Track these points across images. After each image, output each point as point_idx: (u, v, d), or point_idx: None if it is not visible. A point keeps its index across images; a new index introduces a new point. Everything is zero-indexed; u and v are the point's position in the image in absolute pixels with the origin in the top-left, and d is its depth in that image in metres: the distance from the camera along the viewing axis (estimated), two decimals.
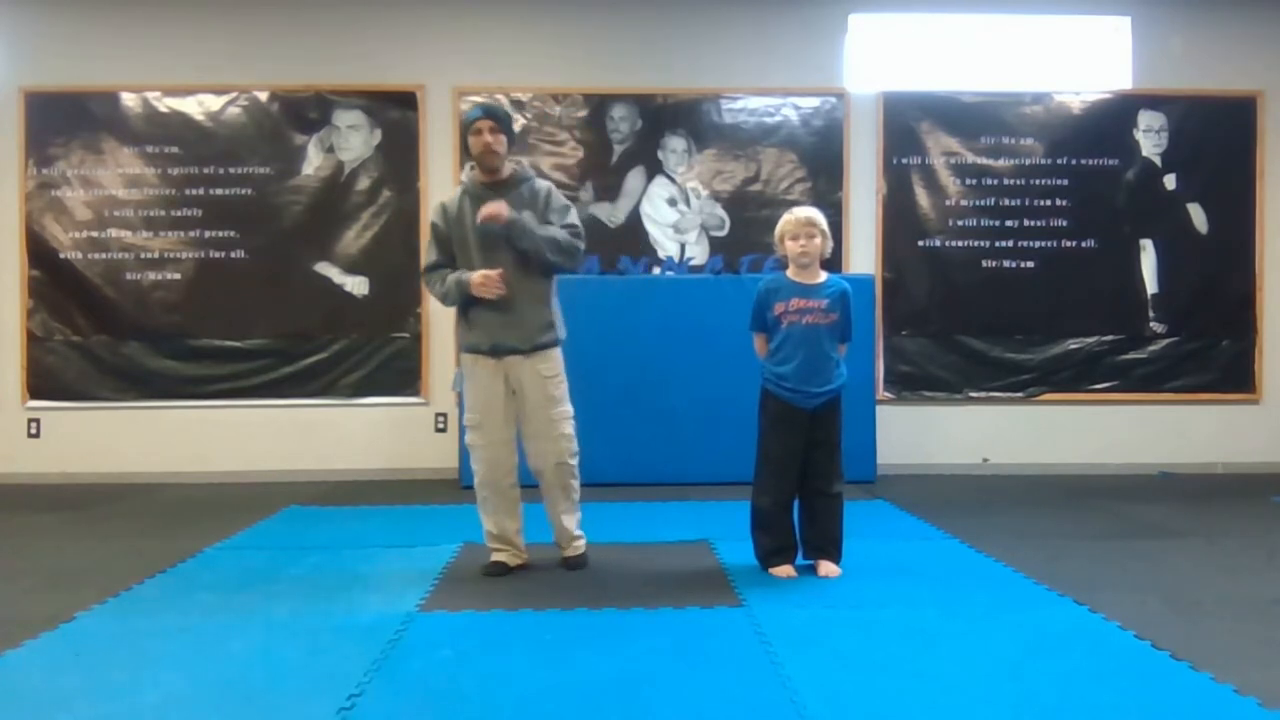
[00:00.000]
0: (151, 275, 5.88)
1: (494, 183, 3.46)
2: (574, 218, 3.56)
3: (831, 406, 3.48)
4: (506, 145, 3.48)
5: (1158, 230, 6.10)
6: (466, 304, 3.43)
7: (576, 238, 3.50)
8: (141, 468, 5.82)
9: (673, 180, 6.01)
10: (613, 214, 5.94)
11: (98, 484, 5.68)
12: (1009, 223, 6.09)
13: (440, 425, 5.95)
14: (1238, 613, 3.04)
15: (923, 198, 6.07)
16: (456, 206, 3.48)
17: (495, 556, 3.52)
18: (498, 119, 3.46)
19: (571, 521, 3.58)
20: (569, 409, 3.51)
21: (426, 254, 3.56)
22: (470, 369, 3.48)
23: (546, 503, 3.57)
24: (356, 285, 5.93)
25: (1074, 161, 6.09)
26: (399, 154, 5.93)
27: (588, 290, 5.32)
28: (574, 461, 3.53)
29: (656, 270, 5.79)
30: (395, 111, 5.92)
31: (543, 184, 3.56)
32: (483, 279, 3.33)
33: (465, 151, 5.83)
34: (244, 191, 5.90)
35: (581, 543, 3.61)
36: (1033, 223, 6.09)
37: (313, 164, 5.92)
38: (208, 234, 5.89)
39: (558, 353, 3.51)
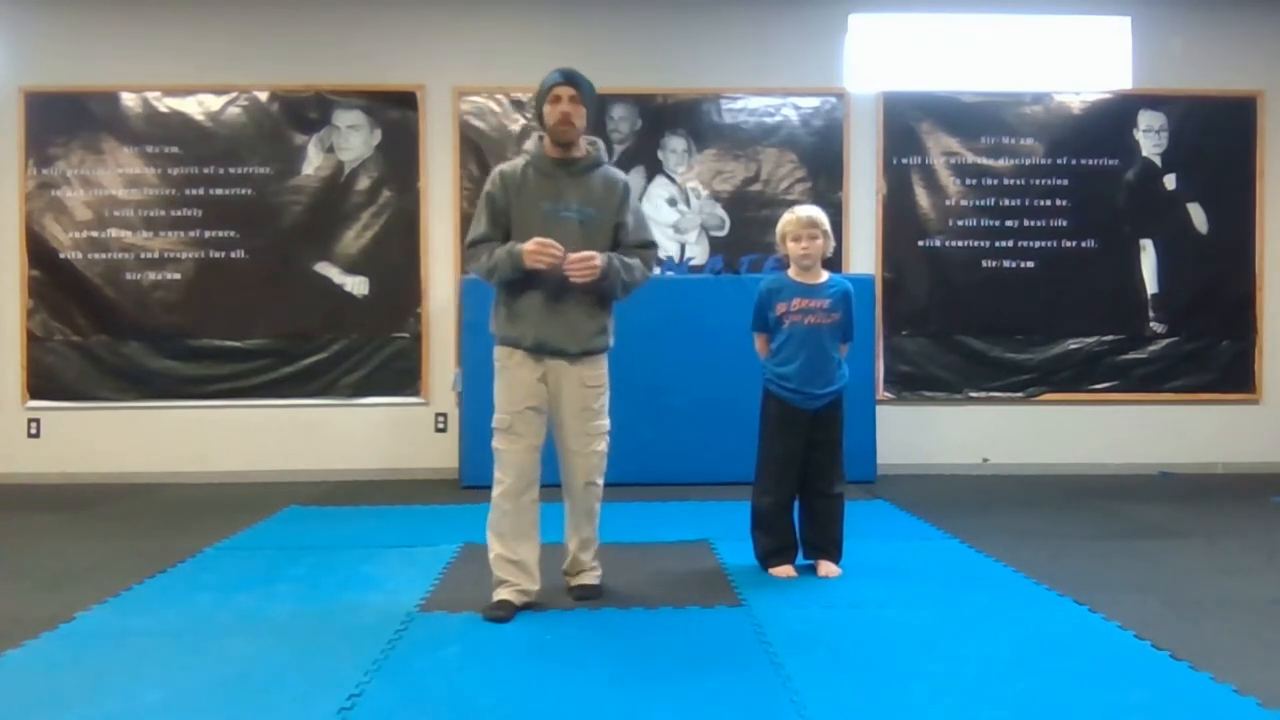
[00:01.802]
0: (151, 275, 5.88)
1: (565, 159, 3.09)
2: (650, 231, 3.27)
3: (833, 407, 3.48)
4: (586, 120, 3.08)
5: (1158, 230, 6.10)
6: (512, 292, 3.06)
7: (651, 264, 3.22)
8: (141, 468, 5.82)
9: (673, 180, 6.02)
10: None
11: (98, 484, 5.68)
12: (1009, 223, 6.09)
13: (440, 425, 5.94)
14: (1238, 613, 3.04)
15: (923, 198, 6.07)
16: (520, 178, 3.08)
17: (501, 594, 3.04)
18: (580, 87, 3.05)
19: (587, 555, 3.26)
20: (607, 423, 3.18)
21: (475, 225, 3.12)
22: (505, 364, 3.09)
23: (568, 525, 3.25)
24: (356, 285, 5.93)
25: (1074, 161, 6.09)
26: (399, 154, 5.93)
27: None
28: (600, 482, 3.21)
29: (657, 270, 5.78)
30: (395, 111, 5.92)
31: (619, 177, 3.19)
32: (538, 245, 2.93)
33: (471, 151, 5.93)
34: (244, 191, 5.90)
35: (593, 574, 3.28)
36: (1033, 223, 6.09)
37: (313, 164, 5.92)
38: (208, 234, 5.89)
39: (605, 361, 3.18)
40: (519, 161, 3.15)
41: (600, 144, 3.21)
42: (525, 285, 3.04)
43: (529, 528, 3.11)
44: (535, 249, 2.94)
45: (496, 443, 3.09)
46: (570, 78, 3.06)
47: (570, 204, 3.07)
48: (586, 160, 3.13)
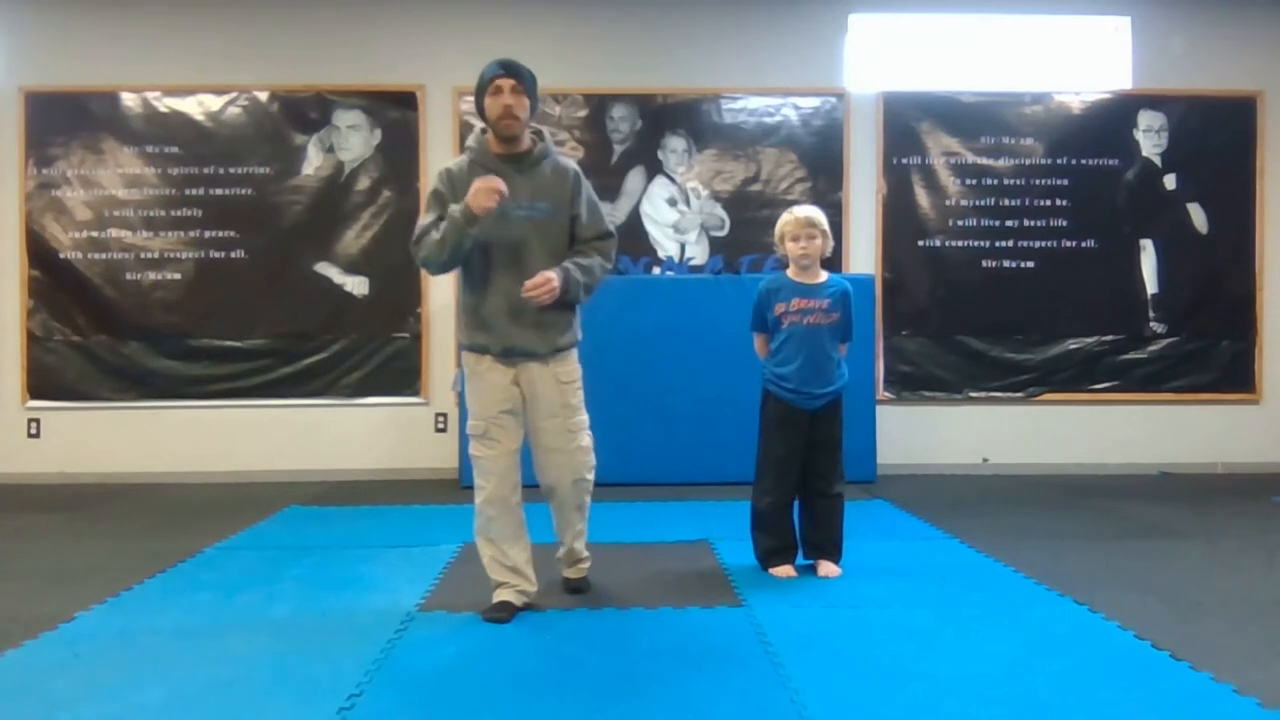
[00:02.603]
0: (151, 275, 5.88)
1: (511, 154, 2.98)
2: (606, 220, 3.15)
3: (833, 407, 3.48)
4: (530, 111, 2.97)
5: (1158, 230, 6.10)
6: (475, 299, 2.99)
7: (610, 256, 3.13)
8: (141, 468, 5.82)
9: (673, 180, 6.02)
10: (613, 214, 5.93)
11: (98, 484, 5.69)
12: (1009, 223, 6.09)
13: (440, 425, 5.95)
14: (1238, 613, 3.04)
15: (923, 198, 6.07)
16: (465, 176, 2.94)
17: (500, 595, 3.03)
18: (521, 78, 2.92)
19: (581, 544, 3.26)
20: (586, 418, 3.12)
21: (421, 222, 2.99)
22: (474, 369, 3.02)
23: (557, 523, 3.22)
24: (356, 285, 5.93)
25: (1074, 161, 6.09)
26: (399, 154, 5.93)
27: None
28: (591, 477, 3.16)
29: (656, 270, 5.79)
30: (395, 111, 5.92)
31: (569, 165, 3.08)
32: (481, 183, 2.79)
33: (461, 144, 5.91)
34: (244, 191, 5.90)
35: (587, 564, 3.32)
36: (1033, 223, 6.09)
37: (313, 164, 5.92)
38: (208, 234, 5.89)
39: (575, 355, 3.11)
40: (464, 159, 3.03)
41: (546, 134, 3.10)
42: (485, 292, 2.97)
43: (517, 530, 3.07)
44: (480, 185, 2.79)
45: (473, 450, 3.02)
46: (509, 68, 2.94)
47: (521, 201, 2.95)
48: (534, 153, 3.01)
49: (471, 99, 5.87)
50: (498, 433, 3.00)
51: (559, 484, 3.11)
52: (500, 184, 2.82)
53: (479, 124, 3.10)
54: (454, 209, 2.86)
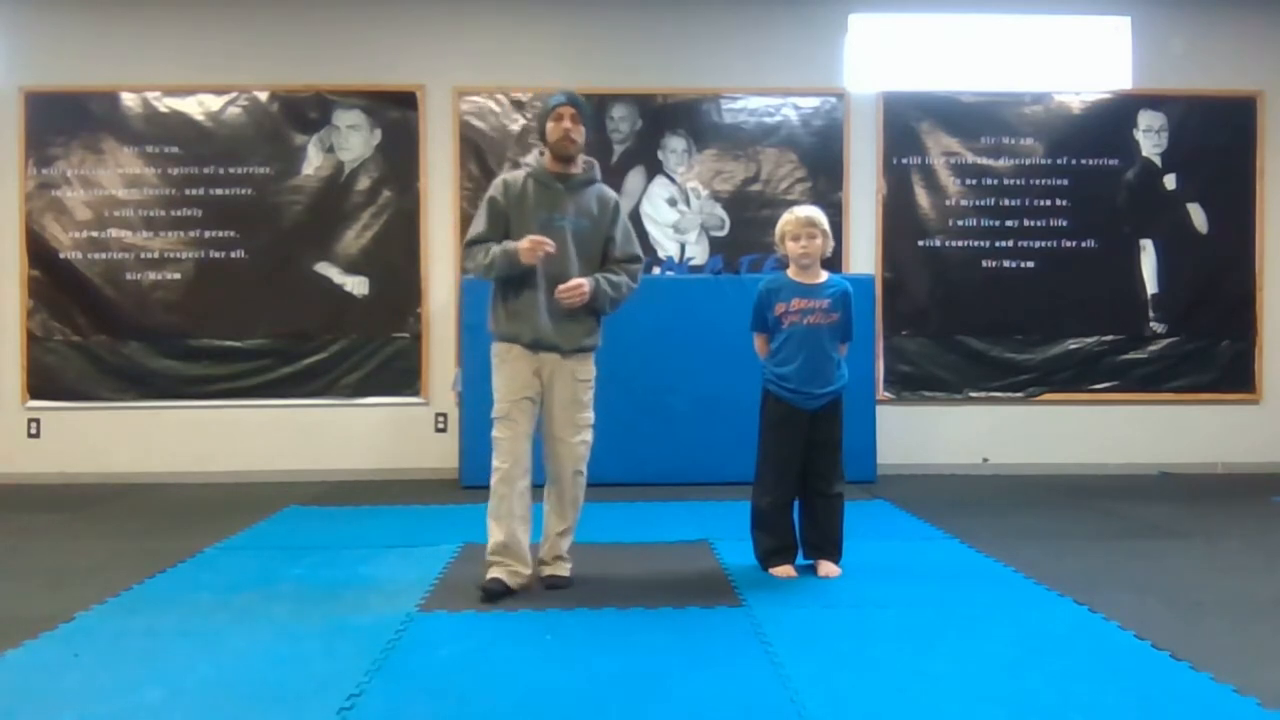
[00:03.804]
0: (151, 275, 5.88)
1: (563, 174, 3.34)
2: (635, 244, 3.48)
3: (833, 407, 3.48)
4: (584, 138, 3.35)
5: (1158, 230, 6.10)
6: (510, 295, 3.28)
7: (636, 277, 3.44)
8: (141, 468, 5.82)
9: (673, 180, 6.02)
10: None
11: (98, 484, 5.68)
12: (1009, 223, 6.09)
13: (440, 425, 5.95)
14: (1238, 613, 3.04)
15: (923, 198, 6.07)
16: (520, 189, 3.32)
17: (494, 572, 3.20)
18: (580, 109, 3.33)
19: (566, 543, 3.41)
20: (592, 416, 3.39)
21: (475, 225, 3.34)
22: (503, 357, 3.30)
23: (551, 515, 3.39)
24: (356, 285, 5.93)
25: (1074, 161, 6.09)
26: (399, 154, 5.93)
27: None
28: (585, 470, 3.39)
29: (656, 270, 5.79)
30: (395, 111, 5.92)
31: (611, 195, 3.46)
32: (531, 243, 3.16)
33: (470, 151, 5.93)
34: (244, 191, 5.90)
35: (568, 564, 3.41)
36: (1033, 223, 6.09)
37: (313, 164, 5.92)
38: (208, 234, 5.89)
39: (593, 359, 3.41)
40: (520, 173, 3.39)
41: (595, 164, 3.45)
42: (522, 289, 3.27)
43: (523, 512, 3.28)
44: (529, 246, 3.17)
45: (496, 432, 3.28)
46: (572, 99, 3.35)
47: (566, 214, 3.31)
48: (582, 176, 3.39)
49: (471, 99, 5.95)
50: (517, 415, 3.27)
51: (561, 473, 3.35)
52: (549, 244, 3.18)
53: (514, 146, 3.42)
54: (508, 248, 3.23)
